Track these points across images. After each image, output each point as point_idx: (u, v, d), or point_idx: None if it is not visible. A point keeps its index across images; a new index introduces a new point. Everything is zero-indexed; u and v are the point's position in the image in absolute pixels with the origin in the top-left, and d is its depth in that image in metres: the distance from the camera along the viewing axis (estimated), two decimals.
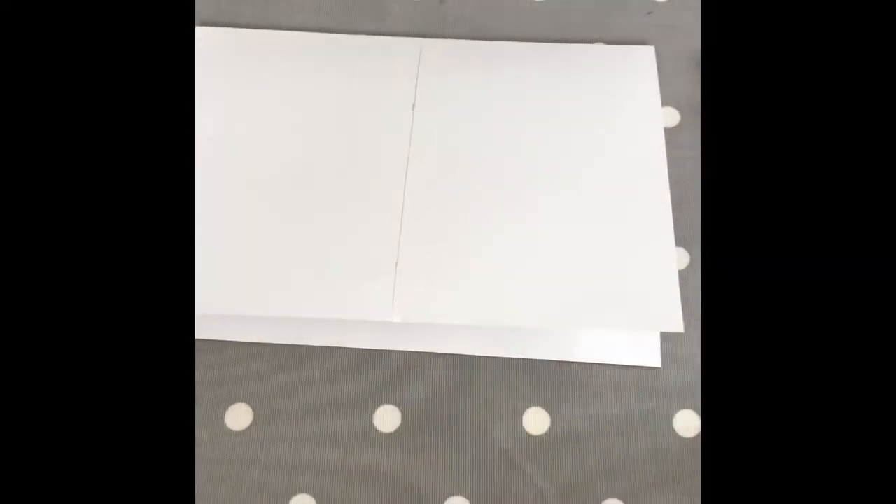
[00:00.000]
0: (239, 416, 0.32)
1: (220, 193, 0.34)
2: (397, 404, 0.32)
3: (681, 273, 0.34)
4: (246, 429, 0.32)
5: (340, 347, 0.33)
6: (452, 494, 0.31)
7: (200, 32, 0.39)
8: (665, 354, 0.33)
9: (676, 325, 0.31)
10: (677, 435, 0.31)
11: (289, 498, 0.30)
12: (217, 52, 0.38)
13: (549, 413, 0.32)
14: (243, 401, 0.32)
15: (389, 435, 0.32)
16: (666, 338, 0.33)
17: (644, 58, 0.38)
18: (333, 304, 0.32)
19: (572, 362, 0.33)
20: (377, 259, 0.33)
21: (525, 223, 0.34)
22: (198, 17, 0.39)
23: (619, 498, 0.31)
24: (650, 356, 0.32)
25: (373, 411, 0.32)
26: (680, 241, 0.34)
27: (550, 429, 0.32)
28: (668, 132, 0.36)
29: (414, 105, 0.36)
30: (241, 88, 0.37)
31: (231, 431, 0.32)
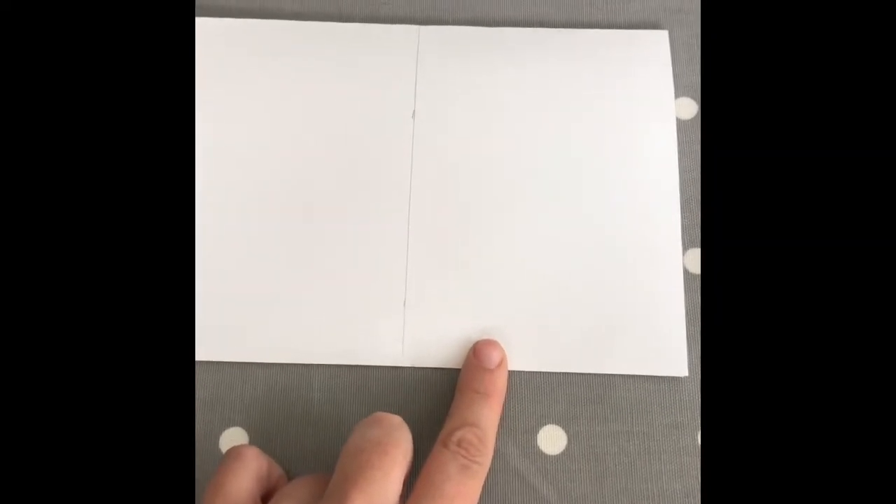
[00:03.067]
0: (234, 441, 0.30)
1: (209, 224, 0.32)
2: None
3: (697, 277, 0.32)
4: None
5: (340, 365, 0.31)
6: None
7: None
8: (688, 364, 0.31)
9: (680, 369, 0.30)
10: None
11: None
12: (204, 48, 0.35)
13: (566, 431, 0.30)
14: (238, 424, 0.30)
15: None
16: (690, 346, 0.31)
17: (657, 43, 0.35)
18: (342, 350, 0.31)
19: (590, 374, 0.31)
20: (385, 298, 0.31)
21: (531, 251, 0.32)
22: None
23: None
24: (676, 365, 0.30)
25: None
26: (700, 242, 0.32)
27: (567, 448, 0.30)
28: (686, 124, 0.34)
29: (414, 112, 0.34)
30: (227, 94, 0.34)
31: None
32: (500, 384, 0.29)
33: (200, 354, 0.31)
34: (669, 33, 0.35)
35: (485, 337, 0.31)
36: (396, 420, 0.26)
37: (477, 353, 0.30)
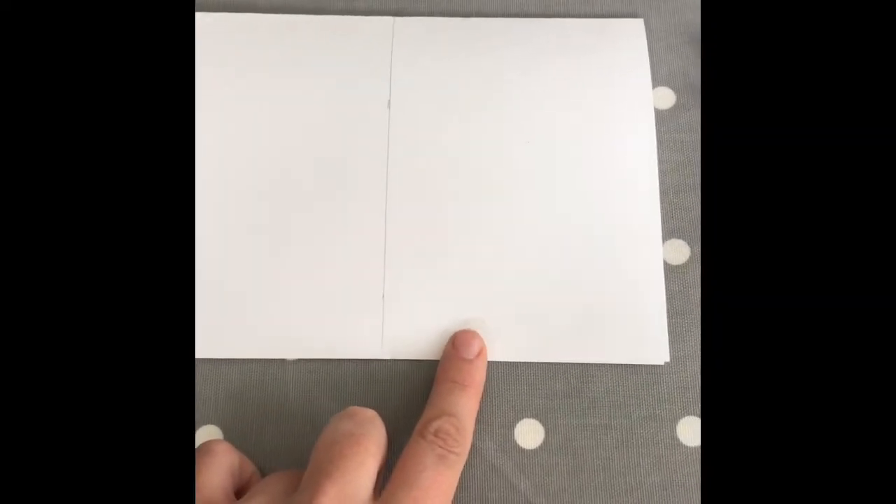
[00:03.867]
0: (208, 439, 0.29)
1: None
2: None
3: (679, 268, 0.31)
4: None
5: (315, 360, 0.31)
6: None
7: None
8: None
9: (662, 356, 0.30)
10: (681, 444, 0.29)
11: None
12: None
13: (543, 424, 0.30)
14: (212, 422, 0.30)
15: None
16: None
17: (633, 32, 0.35)
18: (320, 344, 0.30)
19: (568, 367, 0.30)
20: (363, 292, 0.31)
21: (509, 241, 0.31)
22: None
23: None
24: (657, 353, 0.30)
25: None
26: (678, 233, 0.32)
27: (545, 442, 0.29)
28: (664, 114, 0.33)
29: (389, 102, 0.33)
30: (199, 87, 0.34)
31: None
32: (478, 375, 0.29)
33: None
34: (646, 21, 0.35)
35: (464, 328, 0.30)
36: (370, 413, 0.26)
37: (456, 343, 0.29)
